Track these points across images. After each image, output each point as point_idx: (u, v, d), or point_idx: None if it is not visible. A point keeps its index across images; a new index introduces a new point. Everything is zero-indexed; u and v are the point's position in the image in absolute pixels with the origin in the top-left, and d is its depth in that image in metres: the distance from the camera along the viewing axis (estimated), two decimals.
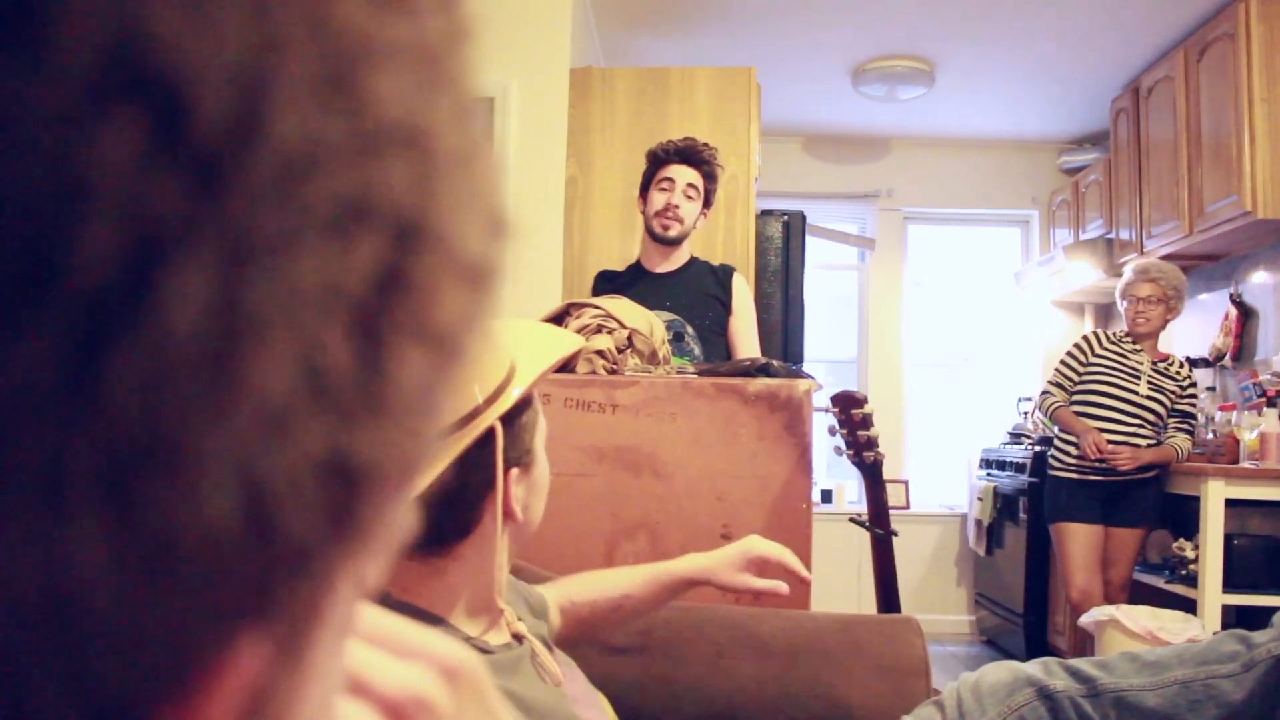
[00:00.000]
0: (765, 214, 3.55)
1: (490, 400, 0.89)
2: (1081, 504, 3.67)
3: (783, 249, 3.50)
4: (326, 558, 0.18)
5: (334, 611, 0.21)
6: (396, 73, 0.18)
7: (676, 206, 2.70)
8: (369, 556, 0.20)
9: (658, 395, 1.80)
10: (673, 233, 2.71)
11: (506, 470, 0.93)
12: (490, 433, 0.90)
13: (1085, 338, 3.87)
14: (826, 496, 5.36)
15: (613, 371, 1.84)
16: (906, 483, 5.35)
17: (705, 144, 2.79)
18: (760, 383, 1.80)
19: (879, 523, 2.17)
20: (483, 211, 0.20)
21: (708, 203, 2.78)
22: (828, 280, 5.74)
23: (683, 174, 2.72)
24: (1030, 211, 5.72)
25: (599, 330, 1.89)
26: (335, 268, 0.17)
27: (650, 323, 1.98)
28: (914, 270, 5.81)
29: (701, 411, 1.79)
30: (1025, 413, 5.17)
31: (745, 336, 2.73)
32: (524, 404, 0.95)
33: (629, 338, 1.90)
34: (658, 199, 2.73)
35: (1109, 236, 4.78)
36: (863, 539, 2.29)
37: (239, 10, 0.15)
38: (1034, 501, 4.29)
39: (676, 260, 2.78)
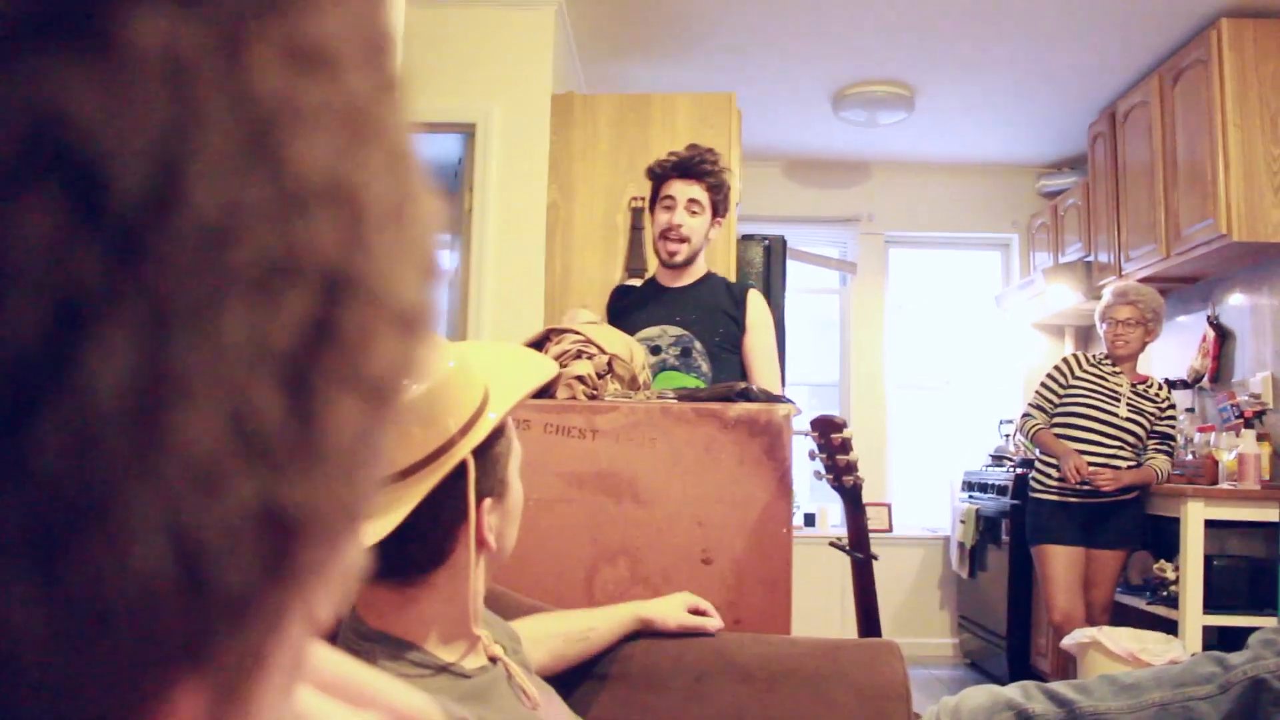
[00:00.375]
0: (746, 238, 3.57)
1: (463, 431, 0.89)
2: (1062, 526, 3.68)
3: (764, 273, 3.52)
4: (265, 604, 0.18)
5: (281, 653, 0.21)
6: (319, 133, 0.18)
7: (679, 225, 2.60)
8: (318, 598, 0.21)
9: (638, 420, 1.80)
10: (680, 258, 2.62)
11: (480, 500, 0.93)
12: (463, 464, 0.90)
13: (1065, 360, 3.89)
14: (810, 520, 5.36)
15: (593, 397, 1.85)
16: (889, 505, 5.35)
17: (707, 151, 2.66)
18: (740, 407, 1.80)
19: (859, 546, 2.18)
20: (415, 259, 0.21)
21: (719, 212, 2.67)
22: (809, 304, 5.76)
23: (683, 190, 2.61)
24: (1010, 235, 5.76)
25: (579, 356, 1.90)
26: (261, 325, 0.17)
27: (630, 348, 1.98)
28: (895, 294, 5.84)
29: (681, 436, 1.79)
30: (1006, 435, 5.19)
31: (759, 355, 2.62)
32: (497, 433, 0.94)
33: (609, 363, 1.90)
34: (661, 219, 2.64)
35: (1088, 259, 4.82)
36: (845, 563, 2.29)
37: (154, 87, 0.16)
38: (1016, 524, 4.30)
39: (691, 275, 2.68)
